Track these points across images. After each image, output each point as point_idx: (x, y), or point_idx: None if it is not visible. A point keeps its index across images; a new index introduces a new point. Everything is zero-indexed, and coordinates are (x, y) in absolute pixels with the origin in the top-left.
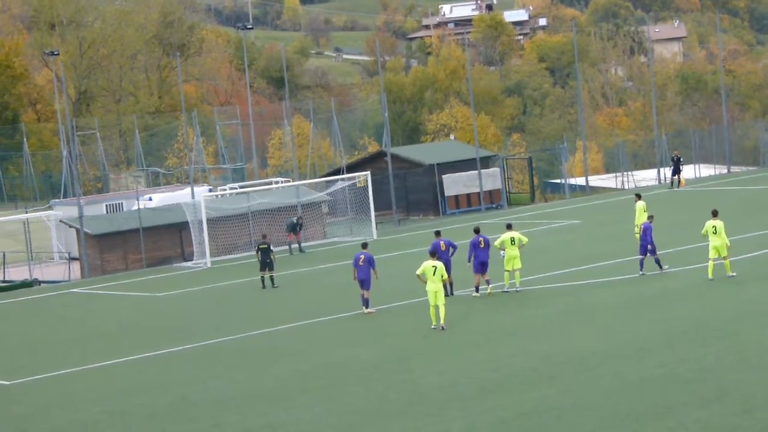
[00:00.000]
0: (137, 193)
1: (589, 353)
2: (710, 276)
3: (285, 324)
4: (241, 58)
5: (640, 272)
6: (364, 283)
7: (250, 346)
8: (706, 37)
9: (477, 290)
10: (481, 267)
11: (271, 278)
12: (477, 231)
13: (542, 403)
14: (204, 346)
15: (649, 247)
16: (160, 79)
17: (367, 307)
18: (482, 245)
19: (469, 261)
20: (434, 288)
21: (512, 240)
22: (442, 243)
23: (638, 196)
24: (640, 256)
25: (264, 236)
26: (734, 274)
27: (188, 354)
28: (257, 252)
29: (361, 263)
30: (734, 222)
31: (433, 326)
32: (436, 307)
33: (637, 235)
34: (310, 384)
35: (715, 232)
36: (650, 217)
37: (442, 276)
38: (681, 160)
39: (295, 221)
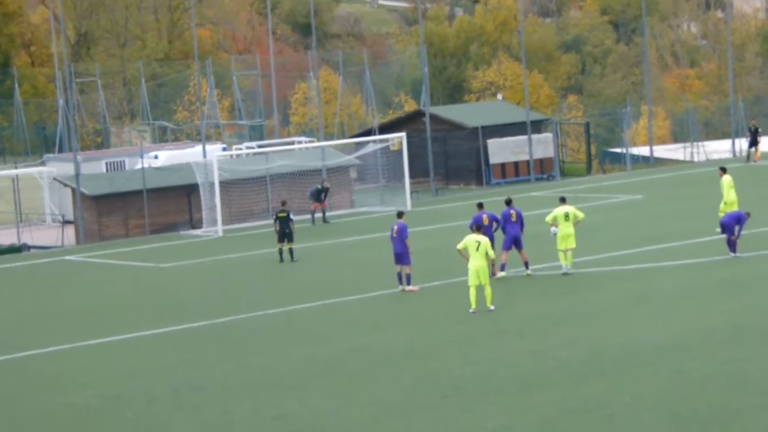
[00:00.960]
0: (141, 150)
1: (647, 346)
2: None
3: (304, 303)
4: (263, 1)
5: (733, 255)
6: (401, 258)
7: (265, 327)
8: None
9: (503, 269)
10: (515, 243)
11: (290, 251)
12: (508, 203)
13: (592, 400)
14: (212, 326)
15: (732, 236)
16: (170, 22)
17: (408, 284)
18: (514, 218)
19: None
20: (476, 266)
21: (566, 215)
22: (485, 216)
23: (723, 170)
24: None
25: (283, 203)
26: None
27: (194, 334)
28: (275, 221)
29: (394, 234)
30: None
31: (471, 310)
32: (478, 288)
33: (721, 214)
34: (330, 371)
35: None
36: (748, 214)
37: (486, 253)
38: (759, 130)
39: (320, 188)
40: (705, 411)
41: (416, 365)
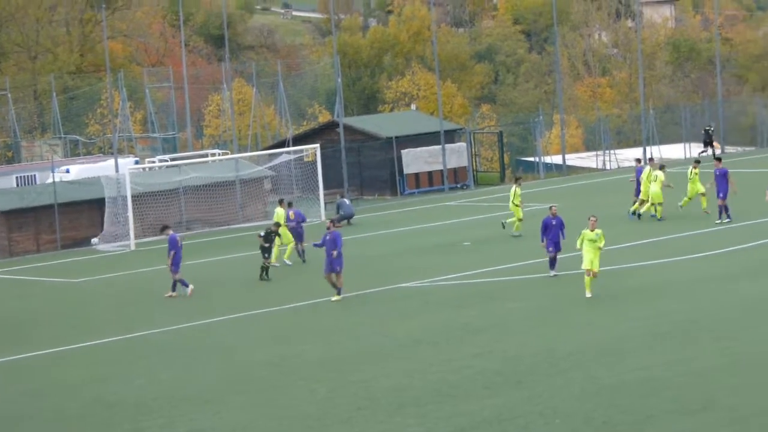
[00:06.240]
0: (53, 164)
1: (561, 354)
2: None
3: (218, 316)
4: (176, 13)
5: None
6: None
7: (178, 342)
8: (702, 0)
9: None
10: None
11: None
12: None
13: (507, 409)
14: (124, 341)
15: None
16: (82, 35)
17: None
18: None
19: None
20: None
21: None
22: (291, 213)
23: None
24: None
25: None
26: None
27: (106, 349)
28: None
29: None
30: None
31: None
32: None
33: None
34: (245, 385)
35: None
36: (552, 208)
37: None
38: (712, 131)
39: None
40: (618, 417)
41: (331, 377)
